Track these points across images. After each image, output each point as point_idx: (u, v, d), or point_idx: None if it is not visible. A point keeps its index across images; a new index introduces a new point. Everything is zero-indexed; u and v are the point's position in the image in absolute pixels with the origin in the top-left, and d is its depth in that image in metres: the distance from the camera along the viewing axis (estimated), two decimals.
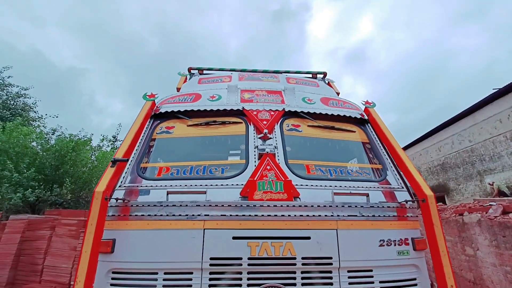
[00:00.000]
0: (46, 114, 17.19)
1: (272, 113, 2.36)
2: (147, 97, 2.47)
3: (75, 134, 12.78)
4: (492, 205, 4.93)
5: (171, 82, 3.67)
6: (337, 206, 1.79)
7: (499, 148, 10.00)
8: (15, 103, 16.67)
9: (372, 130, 2.47)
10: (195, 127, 2.36)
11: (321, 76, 3.77)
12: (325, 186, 1.93)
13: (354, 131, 2.49)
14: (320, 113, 2.45)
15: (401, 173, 2.13)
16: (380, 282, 1.69)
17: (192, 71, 3.68)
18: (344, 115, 2.49)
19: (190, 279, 1.59)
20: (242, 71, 3.58)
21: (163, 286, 1.58)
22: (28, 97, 17.07)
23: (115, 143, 18.94)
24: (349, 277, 1.66)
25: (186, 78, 3.50)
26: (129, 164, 2.02)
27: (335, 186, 1.93)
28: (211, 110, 2.37)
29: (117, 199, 1.74)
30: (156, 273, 1.60)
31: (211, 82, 3.09)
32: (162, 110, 2.41)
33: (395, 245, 1.77)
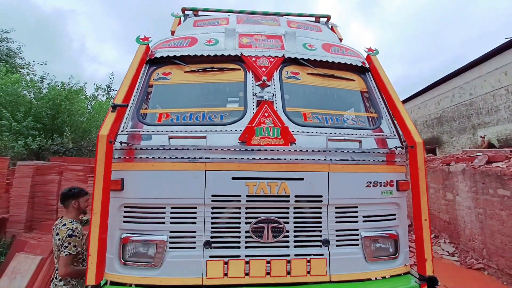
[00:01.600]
0: (33, 61, 16.33)
1: (272, 59, 2.29)
2: (140, 40, 2.35)
3: (67, 82, 12.32)
4: (478, 155, 5.18)
5: (165, 25, 3.42)
6: (330, 151, 1.90)
7: (498, 101, 9.97)
8: None
9: (372, 79, 2.45)
10: (192, 73, 2.31)
11: (325, 20, 3.52)
12: (321, 133, 2.01)
13: (354, 80, 2.46)
14: (321, 60, 2.38)
15: (395, 122, 2.20)
16: (363, 216, 1.91)
17: (187, 12, 3.41)
18: (345, 63, 2.43)
19: (195, 213, 1.79)
20: (241, 13, 3.33)
21: (171, 218, 1.78)
22: (11, 42, 15.93)
23: (110, 92, 18.50)
24: (336, 212, 1.87)
25: (180, 20, 3.26)
26: (129, 110, 2.04)
27: (330, 133, 2.01)
28: (209, 55, 2.29)
29: (121, 143, 1.82)
30: (164, 207, 1.79)
31: (207, 25, 2.90)
32: (158, 55, 2.32)
33: (380, 186, 1.94)
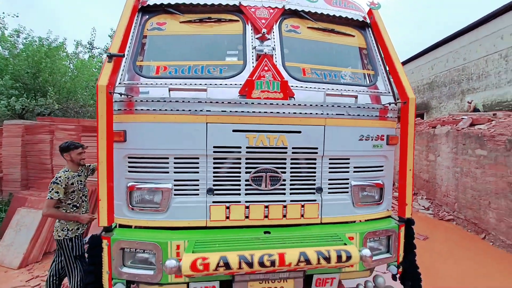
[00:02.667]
0: (4, 13, 14.72)
1: (271, 11, 2.20)
2: None
3: (45, 37, 11.37)
4: (463, 118, 5.41)
5: None
6: (327, 105, 1.96)
7: (490, 66, 10.05)
8: None
9: (371, 35, 2.42)
10: (188, 24, 2.20)
11: None
12: (319, 88, 2.05)
13: (354, 36, 2.43)
14: (322, 13, 2.31)
15: (391, 79, 2.24)
16: (354, 167, 2.06)
17: None
18: (346, 17, 2.36)
19: (197, 163, 1.88)
20: None
21: (174, 168, 1.87)
22: None
23: (93, 50, 17.30)
24: (330, 163, 2.00)
25: None
26: (125, 62, 1.99)
27: (328, 88, 2.05)
28: (205, 4, 2.17)
29: (121, 94, 1.81)
30: (167, 158, 1.86)
31: None
32: (150, 2, 2.18)
33: (372, 140, 2.07)
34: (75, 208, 2.63)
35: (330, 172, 2.01)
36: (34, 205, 3.88)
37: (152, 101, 1.84)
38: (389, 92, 2.20)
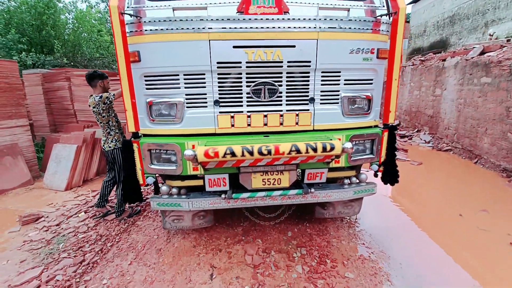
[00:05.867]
0: None
1: None
2: None
3: None
4: (475, 47, 5.23)
5: None
6: (320, 19, 2.09)
7: None
8: None
9: None
10: None
11: None
12: (312, 3, 2.15)
13: None
14: None
15: None
16: (345, 80, 2.27)
17: None
18: None
19: (204, 79, 2.14)
20: None
21: (185, 83, 2.15)
22: None
23: (90, 0, 16.46)
24: (322, 76, 2.22)
25: None
26: None
27: (321, 3, 2.15)
28: None
29: (131, 15, 2.00)
30: (178, 75, 2.13)
31: None
32: None
33: (362, 53, 2.22)
34: (115, 123, 3.13)
35: (322, 84, 2.23)
36: (67, 141, 4.42)
37: (159, 21, 2.03)
38: (384, 6, 2.26)
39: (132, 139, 2.18)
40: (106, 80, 3.07)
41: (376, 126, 2.48)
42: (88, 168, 4.57)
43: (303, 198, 2.34)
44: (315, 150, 1.88)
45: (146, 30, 2.06)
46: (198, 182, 2.36)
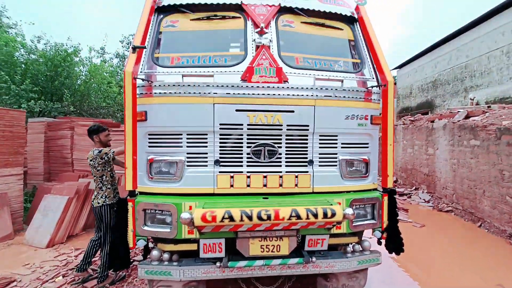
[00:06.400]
0: (20, 20, 15.67)
1: (269, 8, 2.53)
2: None
3: (63, 43, 12.05)
4: (459, 111, 5.60)
5: None
6: (316, 88, 2.27)
7: (492, 63, 10.14)
8: None
9: (358, 28, 2.72)
10: (197, 21, 2.56)
11: None
12: (310, 74, 2.37)
13: (342, 29, 2.74)
14: (314, 9, 2.62)
15: (375, 67, 2.54)
16: (342, 143, 2.36)
17: None
18: (336, 12, 2.68)
19: (206, 138, 2.21)
20: None
21: (187, 142, 2.21)
22: None
23: (104, 55, 18.07)
24: (320, 139, 2.31)
25: None
26: (144, 54, 2.35)
27: (318, 74, 2.37)
28: (212, 4, 2.52)
29: (143, 79, 2.17)
30: (181, 134, 2.20)
31: None
32: (165, 3, 2.55)
33: (357, 119, 2.36)
34: (110, 179, 3.06)
35: (320, 147, 2.31)
36: (59, 192, 4.28)
37: (168, 85, 2.19)
38: (373, 78, 2.49)
39: (128, 197, 2.12)
40: (102, 133, 3.08)
41: (375, 190, 2.48)
42: (76, 222, 4.32)
43: (304, 268, 2.17)
44: (315, 216, 1.83)
45: (155, 93, 2.20)
46: (192, 247, 2.21)
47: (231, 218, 1.78)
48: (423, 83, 15.05)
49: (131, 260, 2.99)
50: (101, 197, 2.96)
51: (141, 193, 2.23)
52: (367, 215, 2.35)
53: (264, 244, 2.08)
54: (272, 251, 2.07)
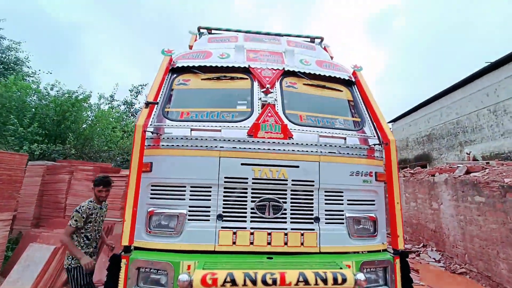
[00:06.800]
0: (39, 70, 16.95)
1: (274, 71, 2.77)
2: (165, 52, 2.83)
3: (74, 90, 12.81)
4: (459, 166, 5.66)
5: (174, 43, 3.92)
6: (321, 145, 2.33)
7: (482, 120, 10.66)
8: (6, 57, 16.23)
9: (356, 90, 2.94)
10: (207, 80, 2.77)
11: (319, 40, 4.08)
12: (313, 131, 2.46)
13: (342, 91, 2.95)
14: (315, 73, 2.87)
15: (375, 125, 2.66)
16: (348, 200, 2.31)
17: (202, 30, 3.94)
18: (335, 76, 2.92)
19: (210, 191, 2.17)
20: (247, 33, 3.87)
21: (190, 195, 2.16)
22: (20, 51, 16.58)
23: (112, 102, 19.03)
24: (325, 195, 2.27)
25: (196, 37, 3.79)
26: (156, 109, 2.47)
27: (321, 131, 2.46)
28: (222, 66, 2.77)
29: (152, 132, 2.23)
30: (184, 186, 2.17)
31: (220, 42, 3.41)
32: (179, 65, 2.79)
33: (362, 175, 2.36)
34: (86, 239, 2.75)
35: (326, 203, 2.26)
36: (46, 240, 4.00)
37: (177, 138, 2.25)
38: (374, 136, 2.58)
39: (123, 253, 1.98)
40: (96, 188, 2.88)
41: (385, 250, 2.34)
42: (59, 276, 3.94)
43: None
44: (325, 281, 1.69)
45: (163, 145, 2.25)
46: None
47: (233, 282, 1.64)
48: (418, 136, 15.55)
49: None
50: (67, 258, 2.71)
51: (136, 248, 2.10)
52: (379, 280, 2.17)
53: None
54: None
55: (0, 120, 9.94)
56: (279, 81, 2.75)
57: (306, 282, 1.67)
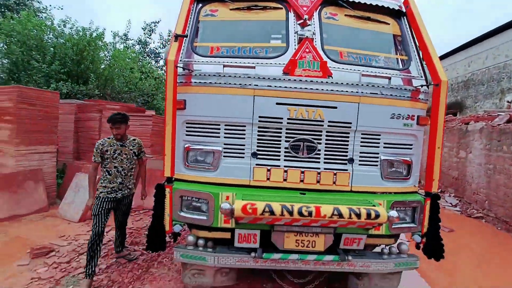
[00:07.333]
0: (50, 5, 16.17)
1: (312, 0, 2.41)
2: None
3: (87, 27, 12.32)
4: (500, 114, 5.24)
5: None
6: (362, 85, 2.15)
7: None
8: None
9: (406, 22, 2.54)
10: (237, 11, 2.47)
11: None
12: (354, 70, 2.24)
13: (389, 23, 2.56)
14: (359, 2, 2.46)
15: (424, 64, 2.37)
16: (385, 143, 2.24)
17: None
18: (383, 6, 2.51)
19: (244, 130, 2.16)
20: None
21: (224, 133, 2.17)
22: None
23: (127, 41, 18.38)
24: (362, 138, 2.20)
25: None
26: (184, 43, 2.31)
27: (363, 70, 2.24)
28: None
29: (183, 68, 2.14)
30: (219, 125, 2.17)
31: None
32: None
33: (403, 119, 2.23)
34: (107, 174, 2.79)
35: (361, 145, 2.20)
36: (88, 171, 4.45)
37: (209, 75, 2.15)
38: (422, 76, 2.33)
39: (166, 183, 2.14)
40: (109, 123, 2.82)
41: (415, 192, 2.36)
42: None
43: (338, 266, 2.13)
44: (358, 216, 1.77)
45: (194, 82, 2.17)
46: (225, 235, 2.22)
47: (271, 212, 1.75)
48: (453, 83, 14.22)
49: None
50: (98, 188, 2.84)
51: (176, 179, 2.25)
52: (407, 218, 2.25)
53: (300, 239, 2.04)
54: (307, 246, 2.03)
55: (23, 58, 9.99)
56: (317, 11, 2.41)
57: (340, 215, 1.76)
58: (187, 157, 2.22)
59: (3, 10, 14.13)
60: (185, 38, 2.30)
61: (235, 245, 2.09)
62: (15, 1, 15.27)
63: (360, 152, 2.21)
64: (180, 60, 2.22)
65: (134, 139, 2.99)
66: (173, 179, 2.19)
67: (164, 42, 19.14)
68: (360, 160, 2.21)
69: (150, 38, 19.03)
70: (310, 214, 1.75)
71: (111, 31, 18.36)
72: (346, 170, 2.20)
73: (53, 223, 4.00)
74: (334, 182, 2.18)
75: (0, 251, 3.20)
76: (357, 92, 2.15)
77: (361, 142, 2.21)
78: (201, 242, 2.18)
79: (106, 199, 2.76)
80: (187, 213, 2.12)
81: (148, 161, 5.25)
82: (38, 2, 16.58)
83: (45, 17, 15.53)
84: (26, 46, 10.12)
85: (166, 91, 2.07)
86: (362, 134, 2.20)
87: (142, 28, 18.76)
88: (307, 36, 2.24)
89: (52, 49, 11.14)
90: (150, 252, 2.61)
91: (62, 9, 15.60)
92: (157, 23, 18.55)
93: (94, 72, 12.25)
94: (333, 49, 2.36)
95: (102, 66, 13.14)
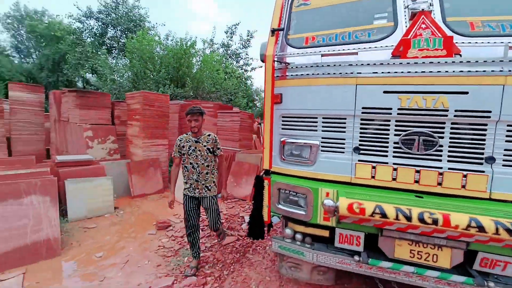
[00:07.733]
0: (156, 23, 19.52)
1: None
2: None
3: (183, 38, 14.29)
4: None
5: None
6: (509, 61, 1.65)
7: None
8: (133, 15, 19.26)
9: None
10: None
11: None
12: (495, 42, 1.75)
13: None
14: None
15: None
16: None
17: None
18: None
19: (344, 123, 2.02)
20: None
21: (322, 127, 2.08)
22: (140, 8, 19.23)
23: (212, 46, 20.35)
24: (508, 130, 1.70)
25: None
26: (280, 36, 2.31)
27: (509, 42, 1.72)
28: None
29: (280, 62, 2.15)
30: (316, 118, 2.09)
31: None
32: None
33: None
34: (185, 170, 2.78)
35: (507, 140, 1.71)
36: None
37: (306, 66, 2.09)
38: None
39: (264, 175, 2.23)
40: (187, 117, 2.77)
41: None
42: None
43: None
44: (510, 231, 1.38)
45: (291, 75, 2.15)
46: (323, 232, 2.16)
47: (383, 215, 1.57)
48: None
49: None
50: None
51: (273, 172, 2.31)
52: None
53: (415, 249, 1.78)
54: (425, 260, 1.75)
55: (140, 70, 12.42)
56: None
57: (481, 229, 1.41)
58: (283, 150, 2.25)
59: (126, 33, 17.83)
60: (281, 32, 2.31)
61: (335, 245, 2.00)
62: (134, 23, 19.14)
63: (505, 150, 1.72)
64: (276, 54, 2.25)
65: (209, 134, 2.82)
66: (271, 172, 2.26)
67: (243, 42, 20.20)
68: (505, 160, 1.73)
69: (231, 40, 20.50)
70: (435, 222, 1.49)
71: (201, 39, 20.69)
72: (483, 171, 1.76)
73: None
74: (463, 186, 1.78)
75: (137, 222, 4.14)
76: (501, 71, 1.67)
77: (507, 136, 1.72)
78: (299, 236, 2.19)
79: (189, 197, 2.80)
80: (284, 206, 2.16)
81: (236, 154, 5.68)
82: (148, 22, 20.33)
83: (153, 33, 18.92)
84: (142, 60, 12.57)
85: (265, 86, 2.14)
86: (508, 126, 1.70)
87: (225, 32, 20.35)
88: (422, 9, 1.89)
89: (159, 60, 13.48)
90: (250, 238, 2.71)
91: (164, 25, 18.61)
92: (237, 25, 19.76)
93: (189, 76, 14.16)
94: (460, 20, 1.91)
95: (194, 71, 15.00)
